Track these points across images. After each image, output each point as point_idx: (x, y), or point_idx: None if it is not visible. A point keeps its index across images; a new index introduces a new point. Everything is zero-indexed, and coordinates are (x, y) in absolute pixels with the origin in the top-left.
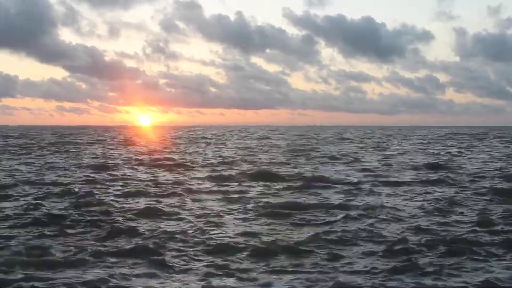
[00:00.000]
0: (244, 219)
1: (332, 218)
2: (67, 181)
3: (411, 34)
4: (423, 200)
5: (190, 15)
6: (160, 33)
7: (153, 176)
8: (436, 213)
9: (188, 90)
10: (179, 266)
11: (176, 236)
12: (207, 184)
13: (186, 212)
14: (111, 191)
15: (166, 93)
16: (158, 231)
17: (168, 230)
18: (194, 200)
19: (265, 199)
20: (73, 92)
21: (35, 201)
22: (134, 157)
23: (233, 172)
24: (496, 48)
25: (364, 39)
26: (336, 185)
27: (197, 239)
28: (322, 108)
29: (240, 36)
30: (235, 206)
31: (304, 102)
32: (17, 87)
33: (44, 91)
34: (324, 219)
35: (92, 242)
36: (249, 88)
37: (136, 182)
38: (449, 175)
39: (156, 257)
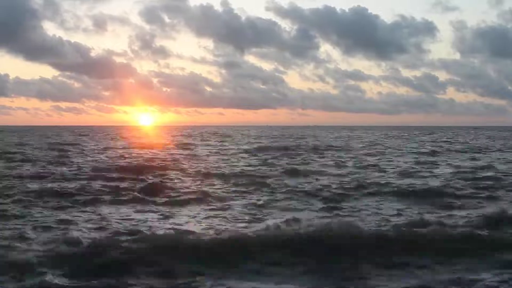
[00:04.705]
0: None
1: None
2: None
3: (409, 27)
4: None
5: (173, 4)
6: (145, 27)
7: None
8: None
9: (183, 89)
10: None
11: None
12: None
13: None
14: None
15: (162, 92)
16: None
17: None
18: None
19: None
20: (66, 92)
21: None
22: None
23: None
24: (498, 44)
25: (360, 34)
26: None
27: None
28: (322, 108)
29: (230, 30)
30: None
31: (303, 101)
32: (9, 86)
33: (37, 91)
34: None
35: None
36: (245, 87)
37: None
38: None
39: None
